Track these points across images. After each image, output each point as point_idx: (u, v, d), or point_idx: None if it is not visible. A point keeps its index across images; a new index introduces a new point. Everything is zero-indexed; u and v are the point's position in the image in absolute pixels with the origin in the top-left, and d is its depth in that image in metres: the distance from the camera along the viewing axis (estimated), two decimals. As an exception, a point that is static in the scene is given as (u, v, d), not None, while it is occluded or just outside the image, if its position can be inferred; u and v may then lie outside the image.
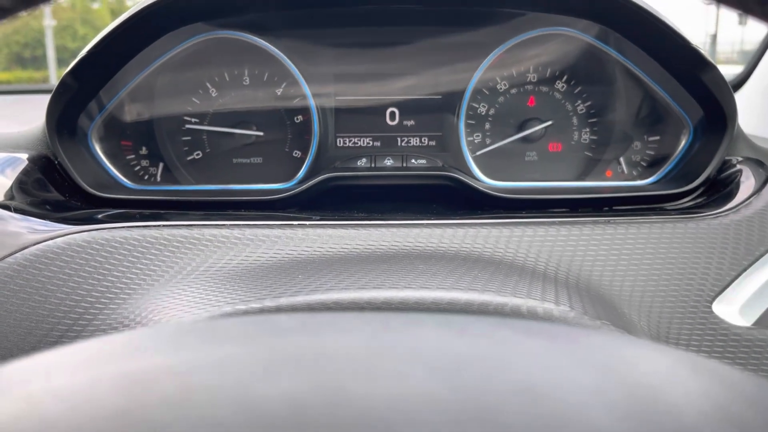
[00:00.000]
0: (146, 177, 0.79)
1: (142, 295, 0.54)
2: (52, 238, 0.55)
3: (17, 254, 0.54)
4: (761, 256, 0.58)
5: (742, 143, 0.70)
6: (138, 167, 0.79)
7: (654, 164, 0.76)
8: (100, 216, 0.64)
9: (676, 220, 0.61)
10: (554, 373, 0.18)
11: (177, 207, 0.71)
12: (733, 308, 0.56)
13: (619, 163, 0.77)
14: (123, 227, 0.58)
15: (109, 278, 0.55)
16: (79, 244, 0.56)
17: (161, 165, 0.79)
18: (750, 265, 0.58)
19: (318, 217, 0.63)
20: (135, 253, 0.57)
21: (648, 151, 0.76)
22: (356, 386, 0.17)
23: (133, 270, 0.55)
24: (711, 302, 0.56)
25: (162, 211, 0.69)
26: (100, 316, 0.52)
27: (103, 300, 0.54)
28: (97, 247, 0.56)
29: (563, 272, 0.57)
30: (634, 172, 0.77)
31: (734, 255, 0.58)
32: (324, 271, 0.54)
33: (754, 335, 0.55)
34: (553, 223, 0.61)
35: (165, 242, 0.58)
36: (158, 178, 0.79)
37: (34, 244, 0.54)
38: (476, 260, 0.58)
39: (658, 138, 0.76)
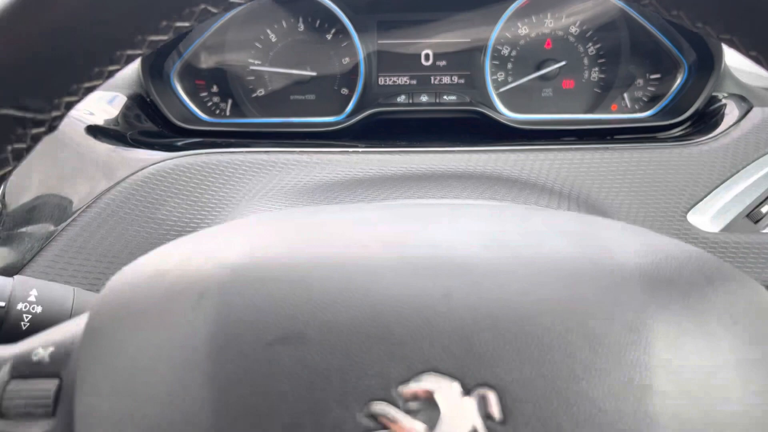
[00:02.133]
0: (217, 111, 0.93)
1: (234, 208, 0.69)
2: (162, 160, 0.70)
3: (135, 175, 0.69)
4: (732, 176, 0.71)
5: (729, 81, 0.82)
6: (210, 103, 0.93)
7: (653, 99, 0.88)
8: (192, 143, 0.78)
9: (665, 147, 0.74)
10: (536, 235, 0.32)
11: (244, 137, 0.86)
12: (705, 218, 0.70)
13: (623, 99, 0.90)
14: (216, 152, 0.72)
15: (208, 194, 0.70)
16: (184, 165, 0.70)
17: (230, 101, 0.93)
18: (722, 182, 0.71)
19: (366, 146, 0.77)
20: (226, 174, 0.71)
21: (649, 88, 0.89)
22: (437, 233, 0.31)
23: (227, 187, 0.70)
24: (686, 213, 0.69)
25: (233, 140, 0.83)
26: (206, 221, 0.68)
27: (203, 212, 0.69)
28: (198, 168, 0.71)
29: (567, 188, 0.70)
30: (636, 107, 0.89)
31: (710, 175, 0.71)
32: (376, 186, 0.68)
33: (719, 239, 0.69)
34: (564, 149, 0.74)
35: (248, 165, 0.72)
36: (227, 113, 0.93)
37: (150, 165, 0.69)
38: (497, 179, 0.72)
39: (658, 76, 0.88)
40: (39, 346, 0.30)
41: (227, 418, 0.24)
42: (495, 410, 0.24)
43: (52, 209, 0.66)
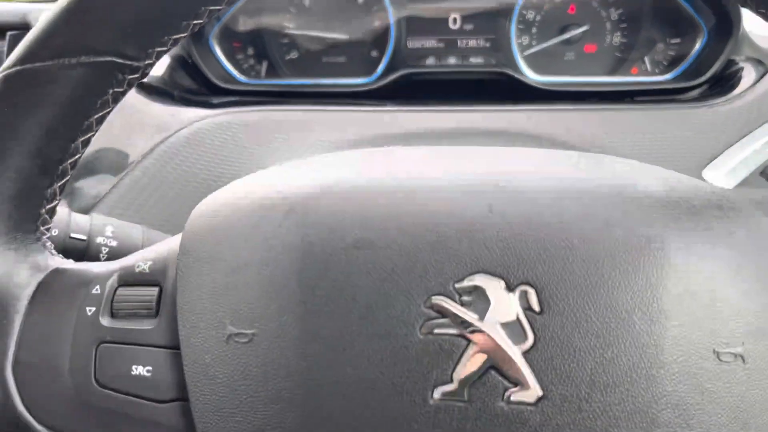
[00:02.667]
0: (253, 73, 0.98)
1: (276, 161, 0.74)
2: (209, 117, 0.75)
3: (185, 129, 0.74)
4: (747, 135, 0.75)
5: (747, 45, 0.85)
6: (246, 65, 0.97)
7: (673, 63, 0.91)
8: (232, 101, 0.83)
9: (683, 108, 0.78)
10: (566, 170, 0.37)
11: (278, 97, 0.90)
12: (720, 174, 0.74)
13: (644, 62, 0.93)
14: (257, 110, 0.77)
15: (251, 149, 0.75)
16: (228, 122, 0.75)
17: (265, 63, 0.97)
18: (737, 141, 0.75)
19: (396, 105, 0.82)
20: (268, 130, 0.76)
21: (669, 52, 0.92)
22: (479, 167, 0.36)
23: (269, 143, 0.75)
24: (702, 169, 0.73)
25: (267, 99, 0.88)
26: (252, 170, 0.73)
27: (248, 164, 0.74)
28: (241, 124, 0.76)
29: (588, 146, 0.74)
30: (656, 70, 0.93)
31: (726, 134, 0.75)
32: (408, 142, 0.73)
33: (733, 194, 0.73)
34: (586, 109, 0.78)
35: (287, 122, 0.77)
36: (263, 74, 0.98)
37: (199, 121, 0.74)
38: (522, 137, 0.76)
39: (678, 41, 0.91)
40: (140, 260, 0.36)
41: (313, 309, 0.29)
42: (534, 303, 0.29)
43: (114, 158, 0.71)
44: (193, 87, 0.88)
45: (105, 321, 0.34)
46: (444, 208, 0.30)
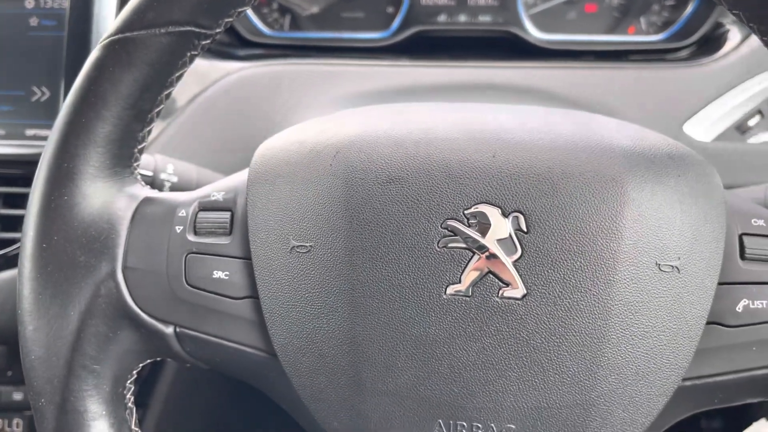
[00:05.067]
0: (277, 26, 1.05)
1: (305, 110, 0.83)
2: (241, 69, 0.84)
3: (223, 80, 0.83)
4: (726, 92, 0.83)
5: (735, 8, 0.92)
6: (271, 18, 1.05)
7: (666, 24, 0.99)
8: (261, 54, 0.91)
9: (671, 67, 0.86)
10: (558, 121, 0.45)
11: (301, 49, 0.98)
12: (699, 128, 0.82)
13: (640, 22, 1.00)
14: (286, 63, 0.86)
15: (283, 97, 0.83)
16: (262, 72, 0.84)
17: (288, 16, 1.05)
18: (717, 98, 0.83)
19: (410, 60, 0.90)
20: (294, 81, 0.85)
21: (663, 13, 0.99)
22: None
23: (297, 93, 0.84)
24: (683, 123, 0.82)
25: (291, 52, 0.96)
26: (285, 119, 0.82)
27: (280, 112, 0.83)
28: (272, 75, 0.84)
29: (584, 99, 0.83)
30: (651, 30, 1.00)
31: (707, 92, 0.83)
32: (423, 94, 0.82)
33: (710, 147, 0.82)
34: (584, 67, 0.86)
35: (312, 75, 0.86)
36: (286, 27, 1.05)
37: (234, 73, 0.83)
38: (525, 91, 0.84)
39: (672, 2, 0.98)
40: (214, 191, 0.45)
41: (357, 228, 0.39)
42: (523, 225, 0.38)
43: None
44: (225, 40, 0.96)
45: (191, 237, 0.43)
46: (457, 155, 0.40)
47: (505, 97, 0.84)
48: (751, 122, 0.82)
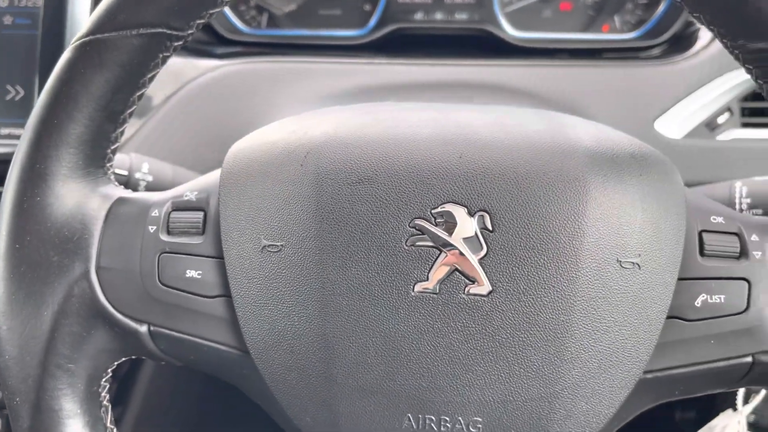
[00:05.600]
0: (255, 23, 1.05)
1: (280, 109, 0.83)
2: (218, 67, 0.84)
3: (198, 79, 0.83)
4: (696, 90, 0.85)
5: (705, 7, 0.94)
6: (248, 16, 1.05)
7: (639, 22, 1.00)
8: (237, 52, 0.92)
9: (644, 65, 0.87)
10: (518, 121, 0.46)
11: (279, 47, 0.99)
12: (669, 125, 0.84)
13: (614, 20, 1.02)
14: (262, 61, 0.86)
15: (259, 96, 0.84)
16: (237, 71, 0.84)
17: (266, 14, 1.05)
18: (687, 95, 0.84)
19: (387, 59, 0.91)
20: (272, 79, 0.85)
21: (636, 12, 1.01)
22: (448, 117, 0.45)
23: (274, 89, 0.84)
24: (654, 120, 0.83)
25: (268, 50, 0.96)
26: (259, 118, 0.82)
27: (254, 111, 0.83)
28: (248, 73, 0.85)
29: (558, 97, 0.84)
30: (625, 28, 1.02)
31: (678, 90, 0.85)
32: (399, 92, 0.82)
33: (680, 143, 0.83)
34: (559, 65, 0.88)
35: (289, 72, 0.86)
36: (264, 25, 1.05)
37: (209, 72, 0.83)
38: (501, 89, 0.85)
39: (645, 1, 1.00)
40: (187, 191, 0.46)
41: (327, 228, 0.40)
42: (488, 224, 0.39)
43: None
44: (203, 38, 0.96)
45: (164, 237, 0.44)
46: (425, 155, 0.40)
47: (481, 95, 0.85)
48: (721, 119, 0.84)
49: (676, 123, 0.84)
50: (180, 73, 0.84)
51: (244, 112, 0.84)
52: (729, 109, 0.85)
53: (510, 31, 1.01)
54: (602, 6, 1.01)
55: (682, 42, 0.92)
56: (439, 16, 1.01)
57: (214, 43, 0.97)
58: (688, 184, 0.75)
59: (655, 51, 0.95)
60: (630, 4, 1.00)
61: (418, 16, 1.01)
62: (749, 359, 0.41)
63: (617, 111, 0.84)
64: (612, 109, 0.84)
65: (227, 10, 1.01)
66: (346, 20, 1.04)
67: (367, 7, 1.04)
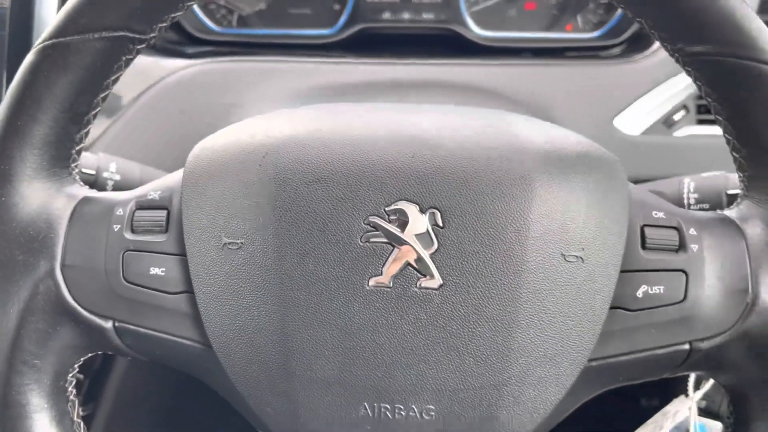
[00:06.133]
0: (225, 22, 1.06)
1: (249, 107, 0.84)
2: (188, 66, 0.85)
3: (168, 78, 0.84)
4: (654, 88, 0.87)
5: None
6: (219, 15, 1.06)
7: (601, 22, 1.03)
8: (207, 51, 0.93)
9: (604, 64, 0.90)
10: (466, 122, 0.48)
11: (249, 46, 1.00)
12: (628, 122, 0.87)
13: (577, 20, 1.04)
14: (231, 60, 0.87)
15: (230, 94, 0.85)
16: (207, 70, 0.85)
17: (236, 14, 1.06)
18: (645, 93, 0.87)
19: (355, 58, 0.92)
20: (242, 78, 0.86)
21: (598, 11, 1.03)
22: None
23: (243, 88, 0.85)
24: (613, 118, 0.86)
25: (239, 49, 0.97)
26: (229, 116, 0.83)
27: (223, 109, 0.84)
28: (218, 72, 0.86)
29: (521, 96, 0.86)
30: (587, 27, 1.04)
31: (637, 88, 0.88)
32: (367, 91, 0.84)
33: (638, 140, 0.86)
34: (523, 64, 0.90)
35: (258, 71, 0.87)
36: (234, 23, 1.06)
37: (180, 70, 0.84)
38: (466, 88, 0.88)
39: (607, 1, 1.02)
40: (151, 190, 0.47)
41: (285, 225, 0.41)
42: (439, 221, 0.41)
43: (107, 103, 0.81)
44: (174, 38, 0.97)
45: (128, 235, 0.45)
46: (379, 155, 0.42)
47: (447, 93, 0.87)
48: (677, 116, 0.87)
49: (634, 120, 0.87)
50: (150, 73, 0.84)
51: (213, 111, 0.85)
52: (685, 107, 0.88)
53: (476, 31, 1.03)
54: (566, 5, 1.03)
55: (641, 41, 0.95)
56: (406, 15, 1.02)
57: (184, 42, 0.98)
58: (645, 179, 0.78)
59: (616, 50, 0.97)
60: (592, 4, 1.03)
61: (386, 15, 1.02)
62: (687, 346, 0.43)
63: (578, 108, 0.86)
64: (573, 106, 0.86)
65: (197, 9, 1.02)
66: (316, 19, 1.06)
67: (337, 7, 1.05)
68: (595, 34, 1.02)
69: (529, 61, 0.92)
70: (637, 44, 0.95)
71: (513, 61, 0.90)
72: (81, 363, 0.47)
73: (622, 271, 0.43)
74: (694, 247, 0.44)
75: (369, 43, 1.02)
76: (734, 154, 0.45)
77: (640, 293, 0.43)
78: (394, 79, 0.89)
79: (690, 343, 0.43)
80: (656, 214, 0.45)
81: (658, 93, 0.88)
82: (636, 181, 0.79)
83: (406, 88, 0.86)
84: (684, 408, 0.67)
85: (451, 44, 1.00)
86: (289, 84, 0.88)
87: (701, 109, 0.88)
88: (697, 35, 0.43)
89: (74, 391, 0.47)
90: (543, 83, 0.88)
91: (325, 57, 0.91)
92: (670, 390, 0.91)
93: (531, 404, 0.42)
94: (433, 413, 0.42)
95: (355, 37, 1.00)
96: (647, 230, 0.44)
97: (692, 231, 0.44)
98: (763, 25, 0.43)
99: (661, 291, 0.43)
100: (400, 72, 0.89)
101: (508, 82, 0.88)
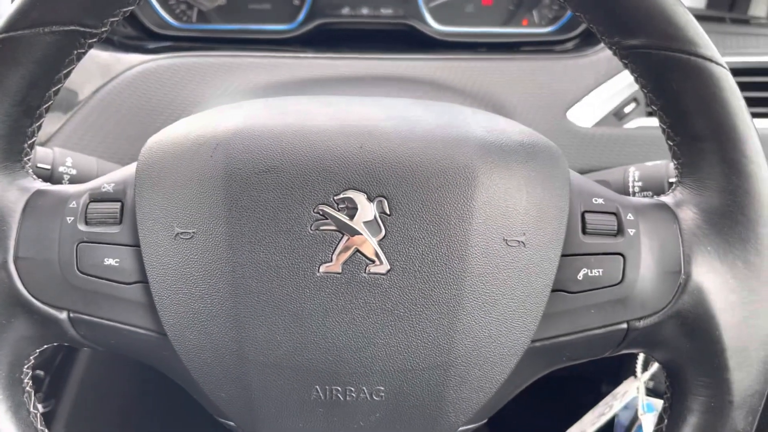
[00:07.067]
0: (185, 18, 1.06)
1: (207, 102, 0.85)
2: (147, 61, 0.85)
3: (126, 73, 0.84)
4: (605, 81, 0.90)
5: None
6: (178, 10, 1.06)
7: (555, 17, 1.05)
8: (167, 46, 0.93)
9: (558, 58, 0.93)
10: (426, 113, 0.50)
11: (209, 41, 1.00)
12: (580, 115, 0.89)
13: (533, 15, 1.07)
14: (191, 55, 0.87)
15: (188, 89, 0.85)
16: (166, 65, 0.85)
17: (196, 9, 1.06)
18: (597, 86, 0.90)
19: (314, 52, 0.93)
20: (200, 72, 0.87)
21: (553, 6, 1.06)
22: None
23: (201, 83, 0.86)
24: (566, 110, 0.88)
25: (198, 44, 0.97)
26: (187, 109, 0.84)
27: (183, 104, 0.85)
28: (176, 67, 0.86)
29: (477, 90, 0.88)
30: (543, 22, 1.07)
31: (589, 81, 0.90)
32: (326, 86, 0.85)
33: (590, 132, 0.89)
34: (478, 59, 0.92)
35: (217, 66, 0.88)
36: (194, 19, 1.06)
37: (138, 65, 0.84)
38: (422, 82, 0.89)
39: (560, -3, 1.05)
40: (104, 183, 0.48)
41: (236, 215, 0.42)
42: (386, 209, 0.42)
43: (64, 98, 0.80)
44: (132, 33, 0.97)
45: (82, 227, 0.45)
46: (328, 145, 0.43)
47: (405, 88, 0.89)
48: (627, 109, 0.90)
49: (586, 113, 0.90)
50: (108, 67, 0.84)
51: (172, 106, 0.85)
52: (635, 99, 0.90)
53: (434, 26, 1.05)
54: (522, 2, 1.06)
55: (594, 37, 0.97)
56: (365, 10, 1.04)
57: (143, 37, 0.98)
58: (597, 170, 0.81)
59: (569, 44, 1.00)
60: (547, 0, 1.05)
61: (345, 10, 1.04)
62: (624, 326, 0.46)
63: (533, 101, 0.89)
64: (528, 99, 0.89)
65: (156, 4, 1.02)
66: (276, 15, 1.06)
67: (296, 2, 1.06)
68: (550, 29, 1.04)
69: (485, 55, 0.94)
70: (589, 39, 0.98)
71: (469, 56, 0.92)
72: (37, 355, 0.48)
73: (563, 255, 0.45)
74: (631, 231, 0.46)
75: (328, 38, 1.03)
76: (669, 142, 0.48)
77: (580, 276, 0.45)
78: (353, 74, 0.90)
79: (627, 322, 0.46)
80: (596, 200, 0.47)
81: (609, 86, 0.90)
82: (588, 171, 0.82)
83: (365, 83, 0.88)
84: (632, 388, 0.70)
85: (409, 39, 1.02)
86: (248, 79, 0.89)
87: (650, 102, 0.91)
88: (632, 29, 0.45)
89: (30, 383, 0.48)
90: (498, 77, 0.91)
91: (285, 52, 0.92)
92: (622, 374, 0.94)
93: (477, 383, 0.44)
94: (383, 394, 0.44)
95: (314, 33, 1.01)
96: (587, 216, 0.46)
97: (629, 216, 0.46)
98: (693, 18, 0.45)
99: (600, 273, 0.45)
100: (359, 67, 0.90)
101: (464, 76, 0.90)
